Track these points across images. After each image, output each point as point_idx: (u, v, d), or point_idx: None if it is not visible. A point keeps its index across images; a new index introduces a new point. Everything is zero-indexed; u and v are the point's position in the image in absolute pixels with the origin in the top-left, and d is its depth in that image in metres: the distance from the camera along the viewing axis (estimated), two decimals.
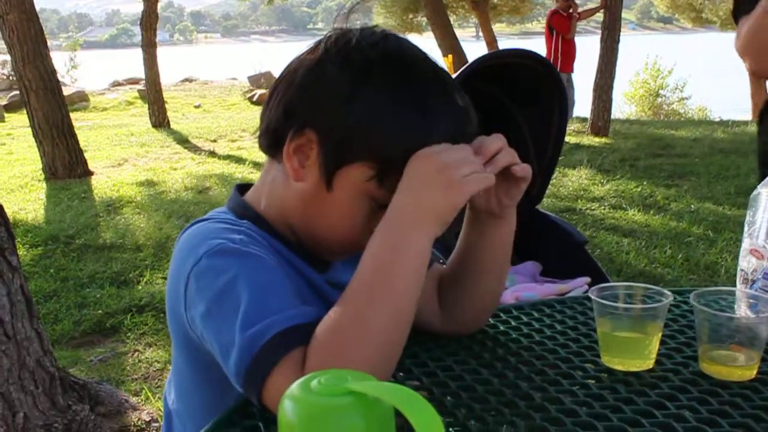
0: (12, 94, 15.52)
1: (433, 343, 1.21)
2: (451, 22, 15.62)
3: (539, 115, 2.93)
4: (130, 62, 21.79)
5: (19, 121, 12.67)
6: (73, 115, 8.30)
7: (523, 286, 2.73)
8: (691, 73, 18.18)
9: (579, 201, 6.46)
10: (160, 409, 3.02)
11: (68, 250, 5.33)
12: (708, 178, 7.16)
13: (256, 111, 14.60)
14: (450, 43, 13.93)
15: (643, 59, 17.77)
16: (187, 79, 21.91)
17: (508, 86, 2.92)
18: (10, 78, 16.70)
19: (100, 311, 4.17)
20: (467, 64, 2.75)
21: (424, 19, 16.22)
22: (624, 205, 6.28)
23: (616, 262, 4.86)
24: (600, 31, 9.99)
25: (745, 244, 1.23)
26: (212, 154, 9.57)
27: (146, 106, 13.00)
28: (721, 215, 5.85)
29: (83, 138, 8.84)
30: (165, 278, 4.55)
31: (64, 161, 7.86)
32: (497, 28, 19.66)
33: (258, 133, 1.14)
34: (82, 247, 5.40)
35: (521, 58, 2.85)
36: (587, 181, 7.16)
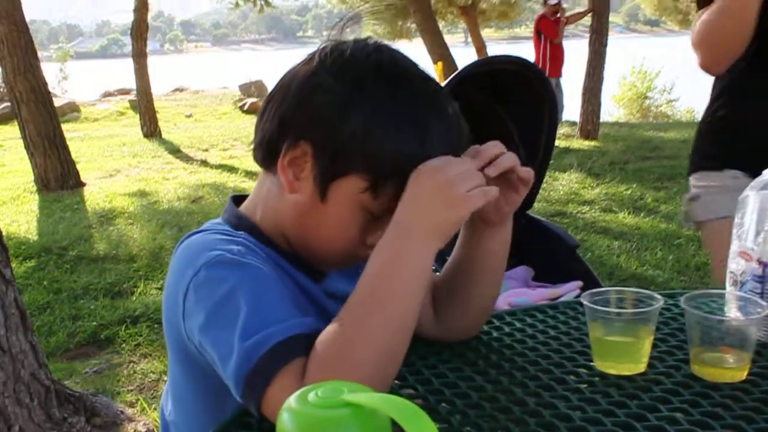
0: (3, 105, 15.45)
1: (428, 350, 1.21)
2: (441, 28, 15.64)
3: (529, 121, 2.93)
4: (121, 72, 21.72)
5: (11, 132, 12.62)
6: (64, 126, 8.29)
7: (516, 291, 2.74)
8: (679, 75, 18.24)
9: (570, 205, 6.48)
10: (156, 420, 3.02)
11: (62, 262, 5.31)
12: None
13: (248, 120, 14.59)
14: (439, 49, 13.94)
15: (631, 62, 17.82)
16: (178, 89, 21.87)
17: (498, 92, 2.93)
18: (1, 90, 16.65)
19: (94, 323, 4.16)
20: (457, 72, 2.76)
21: (414, 25, 16.24)
22: (614, 208, 6.31)
23: (607, 265, 4.88)
24: (588, 35, 10.05)
25: (734, 246, 1.24)
26: (204, 163, 9.56)
27: (137, 116, 12.97)
28: None
29: (75, 149, 8.81)
30: (159, 289, 4.55)
31: (56, 173, 7.83)
32: (486, 33, 19.70)
33: (252, 146, 1.14)
34: (76, 259, 5.38)
35: (510, 64, 2.86)
36: (577, 185, 7.18)
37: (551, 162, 3.15)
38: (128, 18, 12.28)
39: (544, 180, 3.77)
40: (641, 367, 1.10)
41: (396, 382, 1.09)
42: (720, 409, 0.99)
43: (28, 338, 2.61)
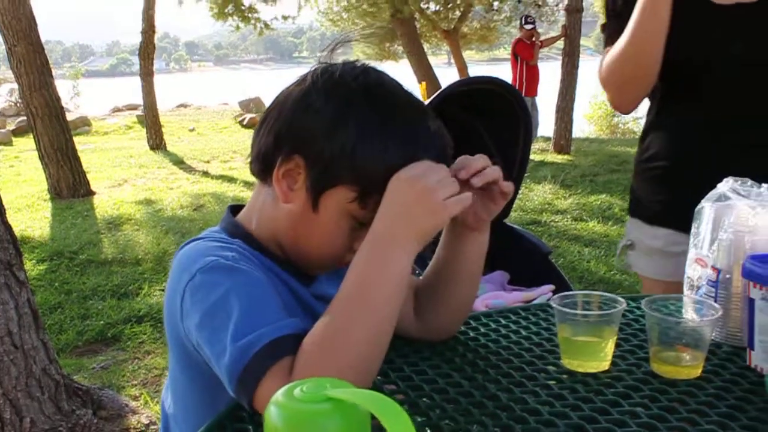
0: (19, 119, 15.40)
1: (409, 348, 1.21)
2: (425, 50, 15.70)
3: (506, 136, 2.95)
4: (129, 89, 21.68)
5: (26, 144, 12.57)
6: (76, 139, 8.26)
7: (493, 294, 2.74)
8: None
9: (544, 214, 6.50)
10: (158, 413, 3.00)
11: (72, 265, 5.29)
12: None
13: (247, 134, 14.58)
14: (424, 70, 14.00)
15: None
16: (182, 105, 21.84)
17: (478, 110, 2.94)
18: (18, 105, 16.58)
19: (101, 322, 4.14)
20: (440, 91, 2.76)
21: (400, 47, 16.28)
22: (585, 217, 6.33)
23: (578, 270, 4.89)
24: (561, 58, 10.10)
25: (691, 254, 1.25)
26: (206, 174, 9.54)
27: (144, 130, 12.94)
28: None
29: (86, 160, 8.78)
30: (163, 290, 4.53)
31: (68, 182, 7.81)
32: (467, 55, 19.75)
33: (249, 159, 1.15)
34: (85, 262, 5.36)
35: (489, 84, 2.87)
36: (551, 196, 7.21)
37: (527, 174, 3.16)
38: (136, 39, 12.27)
39: (520, 191, 3.80)
40: (605, 365, 1.11)
41: (378, 378, 1.09)
42: (677, 404, 0.99)
43: (39, 336, 2.60)
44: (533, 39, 9.67)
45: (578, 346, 1.12)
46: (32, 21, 7.28)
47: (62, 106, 7.93)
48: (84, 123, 16.60)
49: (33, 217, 6.94)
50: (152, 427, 2.95)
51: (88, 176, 8.19)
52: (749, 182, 1.22)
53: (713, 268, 1.17)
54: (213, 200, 7.63)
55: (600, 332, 1.11)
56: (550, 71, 11.48)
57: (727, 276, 1.16)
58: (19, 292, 2.54)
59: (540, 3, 16.42)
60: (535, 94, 9.58)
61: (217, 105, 21.67)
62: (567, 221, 6.26)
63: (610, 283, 4.58)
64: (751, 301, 1.09)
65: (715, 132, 1.64)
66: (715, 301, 1.15)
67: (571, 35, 9.87)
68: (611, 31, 1.69)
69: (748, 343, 1.11)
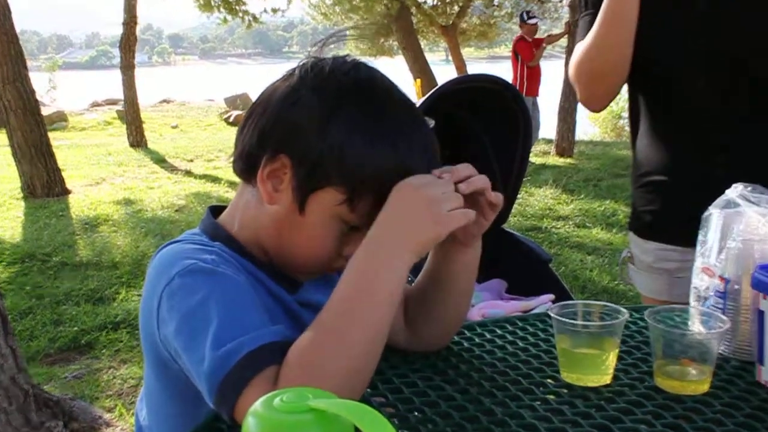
0: None
1: (399, 359, 1.20)
2: (422, 46, 15.74)
3: (505, 138, 2.95)
4: (109, 83, 21.65)
5: None
6: (51, 135, 8.24)
7: (490, 303, 2.74)
8: None
9: (544, 220, 6.51)
10: (134, 425, 2.99)
11: (45, 268, 5.27)
12: None
13: (233, 132, 14.46)
14: (421, 66, 14.03)
15: None
16: (164, 100, 21.80)
17: (475, 109, 2.94)
18: None
19: (75, 328, 4.12)
20: (435, 88, 2.76)
21: (396, 43, 16.32)
22: (588, 224, 6.34)
23: (580, 279, 4.90)
24: (564, 56, 10.13)
25: (698, 263, 1.25)
26: (189, 173, 9.52)
27: (124, 126, 12.91)
28: None
29: (61, 157, 8.76)
30: (141, 296, 4.51)
31: (42, 180, 7.78)
32: (466, 52, 19.83)
33: (233, 158, 1.14)
34: (59, 265, 5.34)
35: (488, 83, 2.87)
36: (552, 201, 7.22)
37: (526, 178, 3.16)
38: (117, 30, 12.25)
39: (520, 195, 3.79)
40: (606, 379, 1.10)
41: (367, 390, 1.09)
42: (682, 421, 0.99)
43: (8, 343, 2.58)
44: (536, 36, 9.70)
45: (578, 359, 1.11)
46: (6, 9, 7.27)
47: (37, 99, 7.91)
48: (60, 118, 16.55)
49: (4, 217, 6.92)
50: None
51: (64, 174, 8.17)
52: (759, 188, 1.22)
53: (721, 278, 1.17)
54: (196, 201, 7.62)
55: (601, 344, 1.10)
56: (552, 70, 11.52)
57: (736, 287, 1.16)
58: None
59: None
60: (537, 94, 9.61)
61: (202, 101, 21.65)
62: (569, 228, 6.27)
63: (613, 294, 4.59)
64: (761, 314, 1.09)
65: (696, 136, 1.66)
66: (723, 313, 1.15)
67: (575, 32, 9.90)
68: (582, 25, 1.73)
69: (757, 357, 1.11)
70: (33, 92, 7.72)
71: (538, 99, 9.67)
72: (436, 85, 2.91)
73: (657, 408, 1.02)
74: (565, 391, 1.09)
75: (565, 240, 5.91)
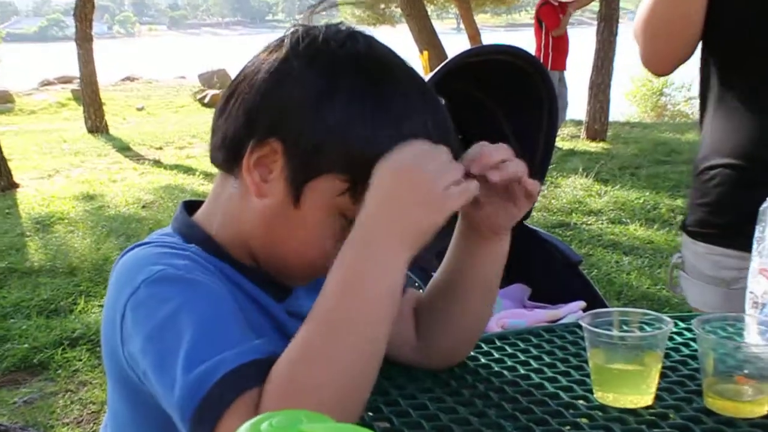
0: None
1: (406, 378, 1.21)
2: (429, 13, 15.70)
3: (526, 119, 2.95)
4: (63, 58, 21.63)
5: None
6: None
7: (510, 313, 2.74)
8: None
9: (573, 215, 6.51)
10: None
11: None
12: None
13: (208, 114, 14.53)
14: (427, 37, 13.97)
15: None
16: (128, 78, 21.80)
17: (491, 87, 2.94)
18: None
19: (26, 345, 4.12)
20: (444, 62, 2.77)
21: (398, 10, 16.28)
22: (624, 219, 6.34)
23: (615, 284, 4.90)
24: (596, 23, 10.10)
25: (755, 263, 1.25)
26: (158, 163, 9.53)
27: (81, 108, 12.91)
28: None
29: (7, 145, 8.76)
30: (102, 307, 4.52)
31: None
32: (480, 19, 19.82)
33: (210, 146, 1.14)
34: (6, 271, 5.34)
35: (506, 55, 2.87)
36: (582, 192, 7.21)
37: (552, 166, 3.16)
38: None
39: (544, 186, 3.80)
40: (647, 400, 1.11)
41: (369, 413, 1.09)
42: None
43: None
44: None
45: (614, 376, 1.12)
46: None
47: None
48: (6, 99, 16.56)
49: None
50: None
51: (10, 165, 8.18)
52: None
53: None
54: (166, 196, 7.62)
55: (641, 359, 1.10)
56: (582, 39, 11.50)
57: None
58: None
59: None
60: (564, 68, 9.59)
61: (172, 78, 21.65)
62: (602, 224, 6.27)
63: (654, 300, 4.59)
64: None
65: None
66: None
67: None
68: None
69: None
70: None
71: (566, 73, 9.64)
72: (446, 58, 2.91)
73: None
74: (600, 413, 1.09)
75: (598, 238, 5.91)
